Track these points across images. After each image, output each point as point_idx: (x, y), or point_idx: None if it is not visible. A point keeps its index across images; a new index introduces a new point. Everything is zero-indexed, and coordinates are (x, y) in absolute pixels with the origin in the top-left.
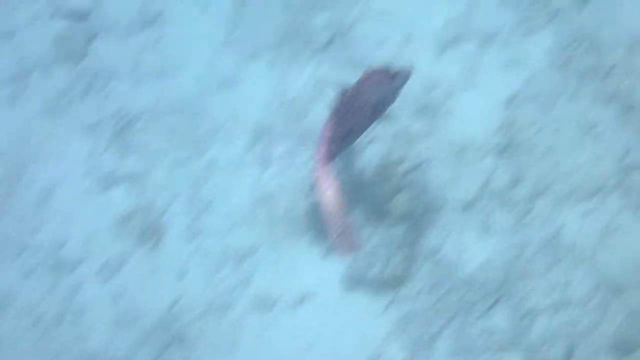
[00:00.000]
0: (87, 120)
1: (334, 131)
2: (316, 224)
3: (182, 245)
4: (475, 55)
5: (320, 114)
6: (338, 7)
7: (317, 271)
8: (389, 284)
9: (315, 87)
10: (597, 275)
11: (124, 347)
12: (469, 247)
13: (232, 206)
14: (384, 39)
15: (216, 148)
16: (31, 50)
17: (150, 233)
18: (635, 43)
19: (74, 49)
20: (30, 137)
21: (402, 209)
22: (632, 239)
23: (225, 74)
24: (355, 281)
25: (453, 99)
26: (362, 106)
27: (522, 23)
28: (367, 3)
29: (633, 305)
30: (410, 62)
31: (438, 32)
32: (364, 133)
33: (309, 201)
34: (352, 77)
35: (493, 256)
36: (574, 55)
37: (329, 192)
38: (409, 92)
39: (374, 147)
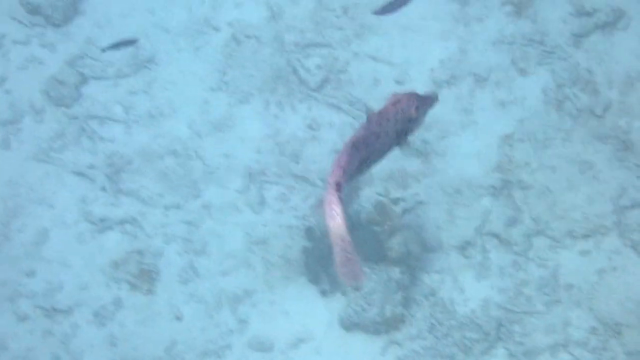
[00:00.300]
0: (80, 164)
1: (353, 156)
2: (312, 265)
3: (178, 289)
4: (470, 95)
5: (314, 155)
6: (332, 47)
7: (314, 313)
8: (387, 325)
9: (309, 128)
10: (596, 316)
11: None
12: (467, 287)
13: (227, 249)
14: (379, 79)
15: (210, 191)
16: (23, 95)
17: (144, 277)
18: (630, 82)
19: (66, 93)
20: (24, 181)
21: (399, 250)
22: (630, 278)
23: (219, 116)
24: (352, 323)
25: (448, 139)
26: (386, 132)
27: (517, 62)
28: (361, 44)
29: (632, 345)
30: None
31: (432, 73)
32: (382, 159)
33: (304, 242)
34: (346, 118)
35: (491, 296)
36: (570, 95)
37: (337, 219)
38: None
39: (368, 188)
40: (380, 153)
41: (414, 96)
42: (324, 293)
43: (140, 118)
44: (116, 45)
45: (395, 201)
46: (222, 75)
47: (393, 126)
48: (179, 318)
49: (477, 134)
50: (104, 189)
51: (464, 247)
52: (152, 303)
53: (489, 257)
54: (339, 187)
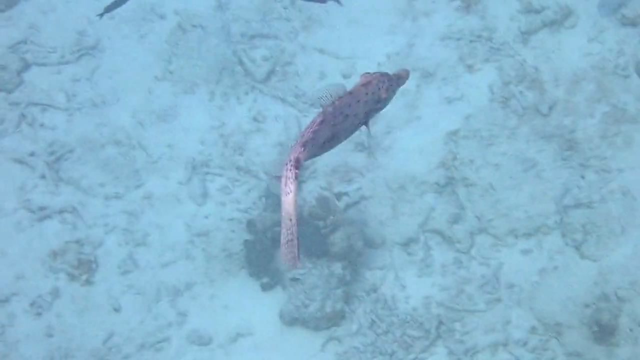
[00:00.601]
0: (20, 152)
1: (318, 134)
2: (253, 259)
3: (117, 280)
4: (416, 91)
5: (258, 147)
6: (279, 39)
7: (254, 307)
8: (327, 321)
9: (254, 120)
10: (536, 315)
11: None
12: (409, 284)
13: (167, 241)
14: (325, 72)
15: (152, 181)
16: None
17: (83, 267)
18: (577, 81)
19: (7, 78)
20: None
21: (341, 245)
22: (572, 279)
23: (163, 106)
24: (293, 318)
25: (393, 135)
26: (355, 113)
27: (464, 58)
28: (308, 36)
29: (572, 346)
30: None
31: (379, 67)
32: (347, 138)
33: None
34: (292, 110)
35: (432, 294)
36: (516, 92)
37: (290, 196)
38: None
39: (311, 182)
40: (347, 133)
41: (385, 77)
42: (264, 287)
43: (82, 106)
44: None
45: (339, 196)
46: (167, 64)
47: (363, 107)
48: (117, 310)
49: (422, 130)
50: (43, 177)
51: (406, 244)
52: (91, 294)
53: (431, 254)
54: (297, 163)
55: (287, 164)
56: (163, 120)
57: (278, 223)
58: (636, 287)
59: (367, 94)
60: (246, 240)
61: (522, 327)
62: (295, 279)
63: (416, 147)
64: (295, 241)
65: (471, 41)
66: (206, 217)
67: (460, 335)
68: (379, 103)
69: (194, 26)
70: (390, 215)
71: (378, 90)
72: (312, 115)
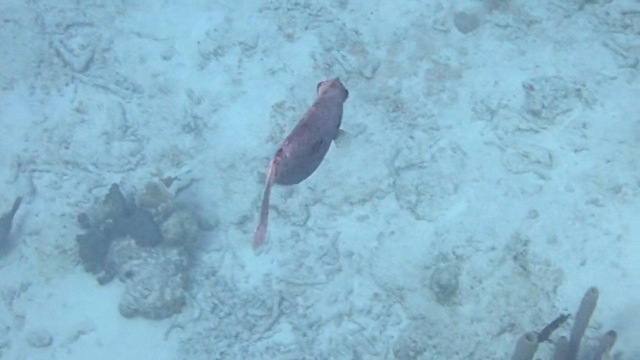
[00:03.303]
0: None
1: (303, 132)
2: (88, 254)
3: None
4: (238, 66)
5: (84, 139)
6: (94, 26)
7: (93, 303)
8: (168, 309)
9: (77, 111)
10: (377, 282)
11: None
12: (247, 263)
13: None
14: (145, 55)
15: None
16: None
17: None
18: (397, 40)
19: None
20: None
21: (175, 231)
22: (409, 241)
23: None
24: (132, 310)
25: (219, 113)
26: (333, 116)
27: (283, 28)
28: (124, 20)
29: (415, 309)
30: (176, 78)
31: (199, 45)
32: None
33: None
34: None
35: (272, 270)
36: (338, 57)
37: (266, 180)
38: (173, 109)
39: (141, 169)
40: (329, 136)
41: (337, 82)
42: (101, 281)
43: None
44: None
45: (169, 181)
46: None
47: (335, 111)
48: None
49: (247, 105)
50: None
51: (241, 222)
52: None
53: (267, 230)
54: (279, 152)
55: (275, 159)
56: None
57: (110, 215)
58: (473, 244)
59: (332, 98)
60: (79, 235)
61: (364, 295)
62: (130, 272)
63: (244, 123)
64: (262, 226)
65: (289, 9)
66: (36, 215)
67: (304, 309)
68: (340, 109)
69: (7, 21)
70: (223, 196)
71: (337, 96)
72: (136, 100)
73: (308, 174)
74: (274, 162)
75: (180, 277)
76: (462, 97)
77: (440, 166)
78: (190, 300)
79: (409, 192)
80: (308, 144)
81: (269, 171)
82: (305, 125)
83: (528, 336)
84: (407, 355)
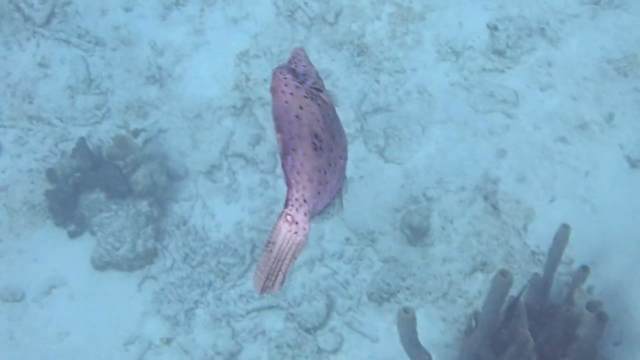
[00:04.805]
0: None
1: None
2: (57, 208)
3: None
4: (200, 15)
5: (48, 93)
6: None
7: (65, 257)
8: (140, 260)
9: (40, 65)
10: (348, 226)
11: None
12: (218, 212)
13: None
14: (106, 8)
15: None
16: None
17: None
18: None
19: None
20: None
21: (144, 182)
22: (379, 185)
23: None
24: (105, 262)
25: (183, 63)
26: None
27: None
28: None
29: (386, 252)
30: (138, 30)
31: None
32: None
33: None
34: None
35: (243, 218)
36: (300, 4)
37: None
38: (136, 61)
39: (106, 121)
40: (319, 122)
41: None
42: (72, 235)
43: None
44: None
45: (136, 133)
46: None
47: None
48: None
49: (211, 55)
50: None
51: (210, 172)
52: None
53: (236, 178)
54: (292, 210)
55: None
56: None
57: (78, 168)
58: (443, 184)
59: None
60: (47, 190)
61: (335, 240)
62: (101, 224)
63: (208, 73)
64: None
65: None
66: (3, 171)
67: None
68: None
69: None
70: (190, 145)
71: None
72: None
73: (336, 174)
74: (296, 233)
75: (152, 228)
76: (427, 39)
77: (407, 109)
78: (162, 250)
79: (376, 135)
80: (315, 159)
81: (295, 240)
82: (288, 145)
83: (503, 273)
84: (380, 298)
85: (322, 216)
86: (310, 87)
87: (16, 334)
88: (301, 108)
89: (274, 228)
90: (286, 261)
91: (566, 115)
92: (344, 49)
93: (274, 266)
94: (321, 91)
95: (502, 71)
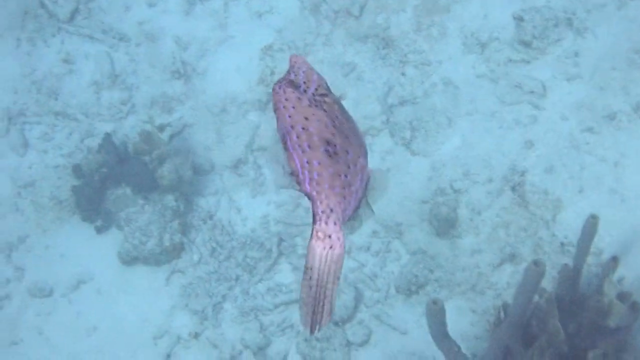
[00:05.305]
0: None
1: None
2: (84, 203)
3: None
4: (224, 10)
5: (73, 89)
6: None
7: (92, 252)
8: (168, 255)
9: (64, 61)
10: (375, 218)
11: None
12: (244, 206)
13: None
14: (129, 4)
15: None
16: None
17: None
18: None
19: None
20: None
21: (170, 177)
22: (406, 177)
23: None
24: (132, 257)
25: (207, 58)
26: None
27: None
28: None
29: (414, 244)
30: (162, 25)
31: None
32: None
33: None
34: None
35: (269, 212)
36: None
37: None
38: (160, 56)
39: (132, 117)
40: (328, 122)
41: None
42: (99, 230)
43: None
44: None
45: (161, 128)
46: None
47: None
48: None
49: (236, 49)
50: None
51: (236, 166)
52: None
53: (262, 172)
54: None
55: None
56: None
57: (104, 164)
58: (470, 176)
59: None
60: (74, 186)
61: (363, 232)
62: (128, 219)
63: (233, 67)
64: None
65: None
66: (30, 167)
67: (303, 249)
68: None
69: None
70: (216, 140)
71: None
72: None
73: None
74: (331, 248)
75: (178, 223)
76: (452, 31)
77: (434, 101)
78: (189, 245)
79: (403, 128)
80: (332, 166)
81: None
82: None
83: (536, 262)
84: (408, 290)
85: (354, 222)
86: (314, 95)
87: (45, 330)
88: (307, 119)
89: (308, 251)
90: (329, 284)
91: (594, 105)
92: (369, 42)
93: (318, 295)
94: (327, 95)
95: (529, 62)
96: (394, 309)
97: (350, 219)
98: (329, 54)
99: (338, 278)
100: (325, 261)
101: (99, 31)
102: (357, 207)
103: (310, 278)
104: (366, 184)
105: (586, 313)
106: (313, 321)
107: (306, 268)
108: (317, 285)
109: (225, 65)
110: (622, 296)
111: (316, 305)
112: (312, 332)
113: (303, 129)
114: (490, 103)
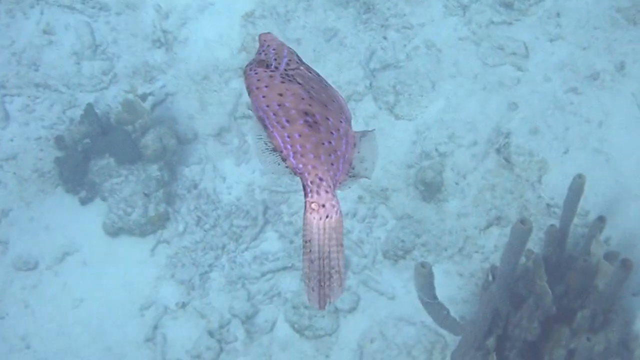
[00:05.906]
0: None
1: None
2: (67, 175)
3: None
4: None
5: (53, 60)
6: None
7: (76, 223)
8: (153, 225)
9: (44, 32)
10: (360, 183)
11: None
12: (228, 174)
13: None
14: None
15: None
16: None
17: None
18: None
19: None
20: None
21: (153, 147)
22: (390, 142)
23: None
24: (117, 228)
25: (188, 26)
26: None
27: None
28: None
29: (400, 209)
30: None
31: None
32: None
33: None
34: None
35: (254, 180)
36: None
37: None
38: (141, 25)
39: (114, 87)
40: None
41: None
42: (83, 201)
43: None
44: None
45: (144, 97)
46: None
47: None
48: None
49: (217, 17)
50: None
51: (219, 134)
52: None
53: (246, 140)
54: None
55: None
56: None
57: (87, 135)
58: (455, 139)
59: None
60: (57, 157)
61: (348, 198)
62: (112, 190)
63: (214, 35)
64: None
65: None
66: (11, 139)
67: (289, 217)
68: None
69: None
70: (199, 108)
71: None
72: (103, 19)
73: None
74: (327, 217)
75: (163, 192)
76: None
77: (416, 64)
78: (174, 214)
79: (386, 92)
80: (313, 135)
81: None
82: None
83: (522, 221)
84: (395, 255)
85: (352, 176)
86: (285, 70)
87: (31, 302)
88: (281, 95)
89: (304, 225)
90: (334, 254)
91: (577, 65)
92: (350, 7)
93: (322, 267)
94: (298, 67)
95: (511, 24)
96: (382, 275)
97: (346, 184)
98: (310, 20)
99: (341, 245)
100: (324, 231)
101: (79, 1)
102: (349, 170)
103: (311, 251)
104: (353, 146)
105: (574, 274)
106: (321, 295)
107: (305, 242)
108: (319, 258)
109: (206, 33)
110: (609, 256)
111: (322, 279)
112: (321, 307)
113: (279, 105)
114: (474, 65)
